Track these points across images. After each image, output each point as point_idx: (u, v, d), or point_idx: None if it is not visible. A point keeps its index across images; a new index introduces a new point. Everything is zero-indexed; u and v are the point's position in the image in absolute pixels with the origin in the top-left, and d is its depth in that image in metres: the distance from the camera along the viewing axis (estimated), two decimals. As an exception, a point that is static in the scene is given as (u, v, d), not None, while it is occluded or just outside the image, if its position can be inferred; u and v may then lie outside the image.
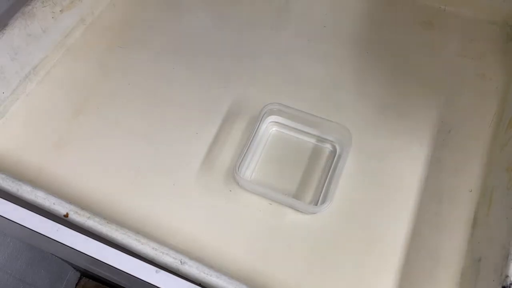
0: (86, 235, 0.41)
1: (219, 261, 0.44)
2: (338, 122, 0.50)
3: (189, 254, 0.40)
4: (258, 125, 0.49)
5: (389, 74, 0.58)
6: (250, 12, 0.64)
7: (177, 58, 0.60)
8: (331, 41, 0.61)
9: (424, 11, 0.63)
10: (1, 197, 0.43)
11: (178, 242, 0.45)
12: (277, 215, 0.48)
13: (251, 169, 0.50)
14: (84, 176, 0.50)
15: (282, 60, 0.59)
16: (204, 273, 0.39)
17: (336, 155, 0.51)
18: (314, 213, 0.48)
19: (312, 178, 0.50)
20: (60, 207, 0.42)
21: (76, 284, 1.06)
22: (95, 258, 0.40)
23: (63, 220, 0.42)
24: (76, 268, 1.02)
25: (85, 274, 1.07)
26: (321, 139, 0.52)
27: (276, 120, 0.52)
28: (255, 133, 0.49)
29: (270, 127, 0.53)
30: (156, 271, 0.39)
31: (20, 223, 0.41)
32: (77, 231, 0.41)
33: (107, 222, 0.41)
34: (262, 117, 0.50)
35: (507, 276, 0.37)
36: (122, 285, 0.77)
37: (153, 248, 0.40)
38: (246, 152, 0.48)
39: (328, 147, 0.52)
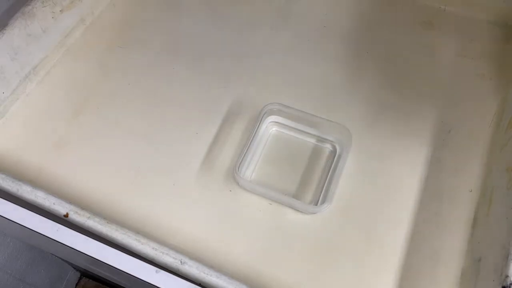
0: (86, 235, 0.41)
1: (219, 261, 0.44)
2: (338, 122, 0.50)
3: (189, 254, 0.40)
4: (258, 125, 0.49)
5: (389, 74, 0.58)
6: (250, 12, 0.64)
7: (177, 58, 0.60)
8: (331, 41, 0.61)
9: (424, 11, 0.63)
10: (1, 197, 0.43)
11: (178, 242, 0.45)
12: (277, 215, 0.47)
13: (251, 169, 0.50)
14: (84, 176, 0.50)
15: (282, 60, 0.59)
16: (204, 273, 0.39)
17: (336, 155, 0.51)
18: (314, 213, 0.48)
19: (312, 178, 0.50)
20: (60, 207, 0.42)
21: (76, 284, 1.06)
22: (95, 258, 0.40)
23: (63, 220, 0.42)
24: (76, 268, 1.02)
25: (85, 274, 1.07)
26: (321, 139, 0.52)
27: (276, 120, 0.52)
28: (255, 133, 0.49)
29: (270, 127, 0.53)
30: (156, 271, 0.39)
31: (20, 223, 0.41)
32: (77, 231, 0.41)
33: (107, 222, 0.41)
34: (262, 117, 0.50)
35: (507, 276, 0.37)
36: (122, 285, 0.77)
37: (153, 248, 0.40)
38: (246, 152, 0.48)
39: (328, 147, 0.52)
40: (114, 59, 0.60)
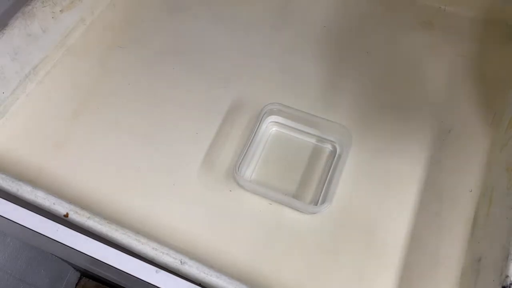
0: (86, 235, 0.41)
1: (219, 261, 0.44)
2: (338, 122, 0.50)
3: (189, 254, 0.40)
4: (258, 125, 0.49)
5: (389, 74, 0.58)
6: (250, 12, 0.64)
7: (177, 58, 0.60)
8: (331, 41, 0.61)
9: (424, 11, 0.63)
10: (1, 197, 0.43)
11: (178, 242, 0.45)
12: (277, 215, 0.48)
13: (251, 169, 0.50)
14: (84, 176, 0.50)
15: (282, 60, 0.59)
16: (204, 273, 0.39)
17: (336, 155, 0.51)
18: (314, 213, 0.48)
19: (312, 178, 0.50)
20: (60, 207, 0.42)
21: (76, 284, 1.06)
22: (95, 258, 0.40)
23: (63, 220, 0.42)
24: (76, 268, 1.02)
25: (85, 274, 1.07)
26: (321, 139, 0.52)
27: (276, 120, 0.52)
28: (255, 133, 0.49)
29: (270, 127, 0.53)
30: (156, 271, 0.39)
31: (20, 223, 0.41)
32: (77, 231, 0.41)
33: (107, 222, 0.41)
34: (262, 117, 0.50)
35: (507, 276, 0.37)
36: (122, 285, 0.77)
37: (153, 248, 0.40)
38: (246, 152, 0.48)
39: (328, 147, 0.52)
40: (114, 59, 0.60)
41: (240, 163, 0.47)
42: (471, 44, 0.60)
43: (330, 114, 0.54)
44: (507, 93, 0.54)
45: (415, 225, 0.47)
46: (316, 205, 0.47)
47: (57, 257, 0.91)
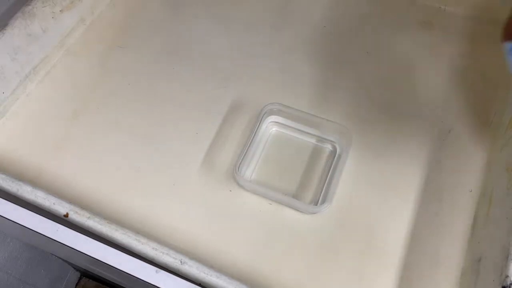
0: (86, 235, 0.41)
1: (219, 261, 0.44)
2: (338, 122, 0.50)
3: (189, 254, 0.40)
4: (258, 125, 0.49)
5: (389, 74, 0.58)
6: (250, 12, 0.64)
7: (177, 58, 0.60)
8: (331, 41, 0.61)
9: (424, 11, 0.63)
10: (1, 197, 0.43)
11: (178, 242, 0.45)
12: (277, 215, 0.48)
13: (251, 169, 0.50)
14: (84, 176, 0.50)
15: (282, 60, 0.59)
16: (204, 273, 0.39)
17: (336, 155, 0.51)
18: (314, 213, 0.48)
19: (312, 178, 0.50)
20: (60, 207, 0.42)
21: (76, 284, 1.06)
22: (95, 258, 0.40)
23: (63, 220, 0.42)
24: (76, 268, 1.02)
25: (85, 274, 1.07)
26: (321, 139, 0.52)
27: (276, 120, 0.52)
28: (255, 133, 0.49)
29: (270, 127, 0.53)
30: (156, 271, 0.39)
31: (20, 223, 0.41)
32: (77, 231, 0.41)
33: (107, 222, 0.41)
34: (262, 117, 0.50)
35: (507, 276, 0.37)
36: (122, 285, 0.77)
37: (153, 248, 0.40)
38: (246, 152, 0.48)
39: (328, 147, 0.52)
40: (114, 59, 0.60)
41: (240, 163, 0.47)
42: (471, 44, 0.60)
43: (330, 114, 0.54)
44: (507, 93, 0.54)
45: (415, 225, 0.47)
46: (316, 205, 0.47)
47: (57, 257, 0.91)
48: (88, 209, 0.42)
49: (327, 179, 0.49)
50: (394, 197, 0.48)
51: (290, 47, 0.61)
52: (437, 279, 0.44)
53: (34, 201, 0.42)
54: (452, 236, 0.46)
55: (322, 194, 0.48)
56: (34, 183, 0.44)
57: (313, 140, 0.52)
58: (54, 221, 0.42)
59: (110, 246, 0.41)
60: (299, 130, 0.52)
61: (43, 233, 0.41)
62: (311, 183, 0.49)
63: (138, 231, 0.41)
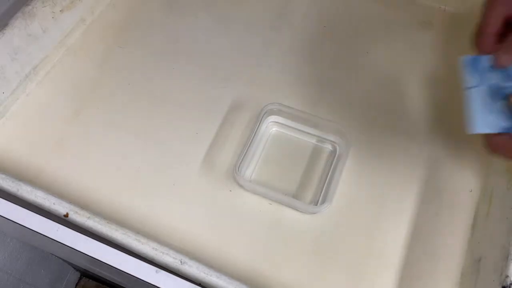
0: (86, 235, 0.41)
1: (219, 261, 0.44)
2: (338, 122, 0.50)
3: (189, 254, 0.40)
4: (258, 125, 0.49)
5: (389, 74, 0.58)
6: (250, 12, 0.64)
7: (177, 58, 0.60)
8: (331, 41, 0.61)
9: (424, 11, 0.63)
10: (1, 197, 0.43)
11: (178, 242, 0.45)
12: (277, 215, 0.48)
13: (251, 169, 0.50)
14: (84, 176, 0.50)
15: (282, 60, 0.59)
16: (204, 273, 0.39)
17: (336, 155, 0.51)
18: (314, 213, 0.48)
19: (312, 178, 0.50)
20: (60, 207, 0.42)
21: (76, 284, 1.06)
22: (95, 258, 0.40)
23: (63, 220, 0.42)
24: (76, 268, 1.02)
25: (85, 274, 1.07)
26: (321, 139, 0.52)
27: (276, 120, 0.52)
28: (255, 133, 0.49)
29: (270, 127, 0.53)
30: (156, 271, 0.39)
31: (20, 223, 0.41)
32: (77, 231, 0.41)
33: (107, 222, 0.41)
34: (262, 117, 0.50)
35: (507, 276, 0.37)
36: (122, 285, 0.77)
37: (153, 248, 0.40)
38: (246, 152, 0.48)
39: (328, 147, 0.52)
40: (114, 59, 0.60)
41: (240, 163, 0.47)
42: (471, 44, 0.60)
43: (330, 114, 0.54)
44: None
45: (415, 225, 0.47)
46: (316, 205, 0.47)
47: (57, 257, 0.91)
48: (88, 209, 0.42)
49: (327, 179, 0.49)
50: (394, 197, 0.48)
51: (290, 47, 0.61)
52: (437, 279, 0.44)
53: (34, 201, 0.42)
54: (452, 236, 0.46)
55: (322, 194, 0.48)
56: (34, 183, 0.44)
57: (313, 140, 0.52)
58: (54, 221, 0.42)
59: (110, 246, 0.41)
60: (299, 130, 0.52)
61: (43, 233, 0.41)
62: (311, 183, 0.49)
63: (138, 231, 0.41)
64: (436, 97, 0.55)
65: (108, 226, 0.41)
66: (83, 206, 0.42)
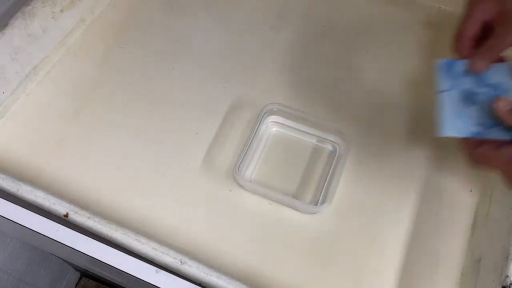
0: (86, 235, 0.41)
1: (219, 261, 0.44)
2: (338, 122, 0.50)
3: (189, 254, 0.40)
4: (258, 125, 0.49)
5: (389, 74, 0.58)
6: (250, 12, 0.64)
7: (177, 58, 0.60)
8: (331, 41, 0.61)
9: (424, 11, 0.63)
10: (1, 197, 0.43)
11: (178, 242, 0.45)
12: (277, 215, 0.48)
13: (251, 169, 0.50)
14: (84, 176, 0.50)
15: (282, 60, 0.59)
16: (204, 273, 0.39)
17: (336, 155, 0.51)
18: (314, 213, 0.48)
19: (312, 178, 0.50)
20: (60, 207, 0.42)
21: (76, 284, 1.06)
22: (95, 258, 0.40)
23: (63, 220, 0.42)
24: (76, 268, 1.02)
25: (85, 274, 1.07)
26: (321, 139, 0.52)
27: (276, 120, 0.52)
28: (255, 133, 0.49)
29: (270, 127, 0.53)
30: (156, 271, 0.39)
31: (20, 223, 0.41)
32: (77, 231, 0.41)
33: (107, 222, 0.41)
34: (262, 117, 0.50)
35: (507, 276, 0.37)
36: (122, 285, 0.77)
37: (153, 248, 0.40)
38: (246, 152, 0.48)
39: (328, 147, 0.52)
40: (114, 59, 0.60)
41: (240, 163, 0.47)
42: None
43: (330, 114, 0.54)
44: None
45: (415, 225, 0.47)
46: (316, 205, 0.47)
47: (57, 257, 0.91)
48: (88, 209, 0.42)
49: (327, 179, 0.49)
50: (394, 197, 0.48)
51: (290, 47, 0.61)
52: (437, 279, 0.44)
53: (34, 201, 0.42)
54: (452, 236, 0.46)
55: (322, 194, 0.48)
56: (34, 183, 0.44)
57: (313, 140, 0.52)
58: (54, 221, 0.42)
59: (110, 246, 0.41)
60: (299, 130, 0.52)
61: (43, 233, 0.41)
62: (311, 183, 0.49)
63: (138, 231, 0.41)
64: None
65: (108, 226, 0.41)
66: (83, 206, 0.42)
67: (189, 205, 0.48)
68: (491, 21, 0.40)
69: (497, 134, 0.40)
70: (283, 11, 0.65)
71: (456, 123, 0.41)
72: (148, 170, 0.50)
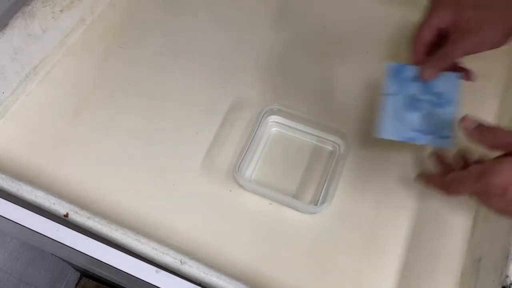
0: (86, 235, 0.41)
1: (219, 261, 0.44)
2: (338, 122, 0.50)
3: (189, 254, 0.40)
4: (258, 125, 0.49)
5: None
6: (250, 12, 0.64)
7: (177, 58, 0.60)
8: (331, 41, 0.61)
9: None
10: (1, 197, 0.43)
11: (178, 242, 0.45)
12: (277, 215, 0.48)
13: (251, 169, 0.50)
14: (84, 176, 0.50)
15: (282, 60, 0.59)
16: (204, 273, 0.39)
17: (336, 155, 0.51)
18: (314, 213, 0.48)
19: (312, 178, 0.50)
20: (60, 207, 0.42)
21: (76, 284, 1.06)
22: (95, 258, 0.40)
23: (63, 220, 0.42)
24: (76, 268, 1.02)
25: (85, 274, 1.07)
26: (321, 139, 0.52)
27: (276, 120, 0.52)
28: (255, 133, 0.49)
29: (270, 127, 0.53)
30: (156, 271, 0.39)
31: (20, 223, 0.42)
32: (77, 231, 0.41)
33: (107, 222, 0.41)
34: (262, 117, 0.50)
35: (507, 276, 0.37)
36: (122, 285, 0.77)
37: (153, 248, 0.40)
38: (246, 152, 0.48)
39: (328, 147, 0.52)
40: (114, 59, 0.60)
41: (240, 163, 0.47)
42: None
43: (330, 114, 0.54)
44: (507, 93, 0.54)
45: (415, 224, 0.47)
46: (316, 205, 0.47)
47: (57, 257, 0.91)
48: (88, 209, 0.42)
49: (327, 179, 0.49)
50: (394, 197, 0.48)
51: (290, 47, 0.61)
52: (437, 279, 0.44)
53: (34, 201, 0.42)
54: (452, 236, 0.46)
55: (322, 194, 0.48)
56: (34, 183, 0.44)
57: (313, 140, 0.52)
58: (54, 221, 0.42)
59: (110, 246, 0.41)
60: (299, 130, 0.52)
61: (43, 233, 0.41)
62: (311, 183, 0.49)
63: (138, 231, 0.41)
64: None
65: (108, 226, 0.41)
66: (83, 206, 0.42)
67: (189, 205, 0.48)
68: (447, 29, 0.41)
69: (432, 142, 0.42)
70: (283, 11, 0.65)
71: (395, 126, 0.43)
72: (148, 170, 0.50)
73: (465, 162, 0.42)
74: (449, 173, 0.39)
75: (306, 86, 0.57)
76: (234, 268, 0.44)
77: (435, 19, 0.41)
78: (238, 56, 0.60)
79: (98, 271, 0.78)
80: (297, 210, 0.48)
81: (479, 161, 0.40)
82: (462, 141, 0.42)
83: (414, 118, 0.43)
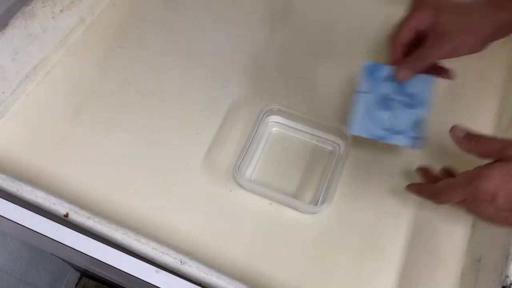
0: (86, 235, 0.41)
1: (219, 261, 0.44)
2: (338, 122, 0.50)
3: (189, 254, 0.40)
4: (258, 125, 0.49)
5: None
6: (250, 12, 0.64)
7: (177, 58, 0.60)
8: (331, 41, 0.61)
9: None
10: (1, 197, 0.43)
11: (178, 242, 0.45)
12: (277, 215, 0.48)
13: (251, 169, 0.50)
14: (84, 176, 0.50)
15: (282, 60, 0.59)
16: (204, 273, 0.39)
17: (336, 155, 0.51)
18: (314, 213, 0.48)
19: (312, 178, 0.50)
20: (60, 207, 0.42)
21: (76, 284, 1.06)
22: (95, 258, 0.40)
23: (63, 220, 0.42)
24: (76, 268, 1.02)
25: (85, 274, 1.07)
26: (321, 139, 0.52)
27: (276, 120, 0.53)
28: (255, 133, 0.49)
29: (270, 127, 0.53)
30: (156, 271, 0.39)
31: (20, 223, 0.42)
32: (77, 231, 0.41)
33: (107, 222, 0.41)
34: (262, 117, 0.50)
35: (507, 276, 0.37)
36: (122, 285, 0.77)
37: (153, 248, 0.40)
38: (246, 152, 0.48)
39: (328, 147, 0.52)
40: (114, 59, 0.60)
41: (240, 163, 0.47)
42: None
43: (330, 114, 0.54)
44: (507, 93, 0.54)
45: (415, 224, 0.47)
46: (316, 205, 0.47)
47: (57, 257, 0.91)
48: (88, 209, 0.42)
49: (327, 179, 0.49)
50: (394, 197, 0.48)
51: (290, 47, 0.61)
52: (437, 279, 0.44)
53: (34, 201, 0.42)
54: (452, 236, 0.46)
55: (322, 194, 0.48)
56: (34, 183, 0.44)
57: (313, 140, 0.52)
58: (54, 221, 0.42)
59: (110, 246, 0.41)
60: (299, 130, 0.52)
61: (43, 233, 0.41)
62: (311, 183, 0.49)
63: (138, 231, 0.41)
64: (436, 97, 0.55)
65: (108, 226, 0.41)
66: (83, 206, 0.42)
67: (189, 205, 0.48)
68: (426, 31, 0.41)
69: (401, 142, 0.43)
70: (283, 11, 0.65)
71: (365, 124, 0.44)
72: (148, 170, 0.50)
73: (450, 175, 0.42)
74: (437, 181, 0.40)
75: (306, 86, 0.57)
76: (234, 268, 0.44)
77: (414, 20, 0.41)
78: (238, 56, 0.60)
79: (98, 271, 0.78)
80: (297, 210, 0.48)
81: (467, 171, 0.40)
82: (450, 151, 0.42)
83: (385, 117, 0.44)
